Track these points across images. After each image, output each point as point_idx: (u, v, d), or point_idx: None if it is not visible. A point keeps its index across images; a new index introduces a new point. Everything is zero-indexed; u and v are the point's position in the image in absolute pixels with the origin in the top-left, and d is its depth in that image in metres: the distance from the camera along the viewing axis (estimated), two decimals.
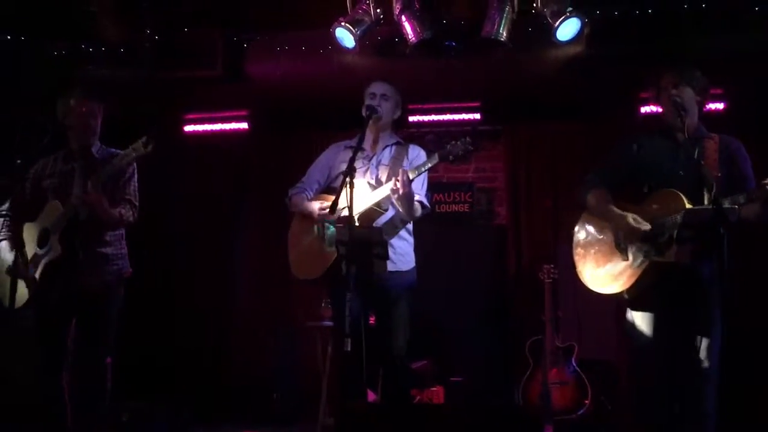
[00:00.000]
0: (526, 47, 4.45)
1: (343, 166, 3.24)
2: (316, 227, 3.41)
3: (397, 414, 3.40)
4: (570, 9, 4.11)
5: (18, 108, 4.71)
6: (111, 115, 3.74)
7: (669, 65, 3.17)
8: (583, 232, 3.30)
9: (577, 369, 4.79)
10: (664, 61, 4.22)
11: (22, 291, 3.42)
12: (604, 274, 3.14)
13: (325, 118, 5.36)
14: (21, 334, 3.54)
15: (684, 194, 2.89)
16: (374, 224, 3.34)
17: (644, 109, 5.11)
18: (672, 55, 4.29)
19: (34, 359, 3.53)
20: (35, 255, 3.50)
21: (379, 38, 4.58)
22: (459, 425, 4.40)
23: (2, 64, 4.77)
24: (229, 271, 5.95)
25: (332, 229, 3.28)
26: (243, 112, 5.76)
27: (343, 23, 4.32)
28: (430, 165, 3.28)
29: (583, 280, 3.24)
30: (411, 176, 3.20)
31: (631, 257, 3.03)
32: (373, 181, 3.43)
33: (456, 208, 5.75)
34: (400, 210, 3.29)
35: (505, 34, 4.18)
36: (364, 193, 3.35)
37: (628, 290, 3.04)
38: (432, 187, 3.58)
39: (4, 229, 3.64)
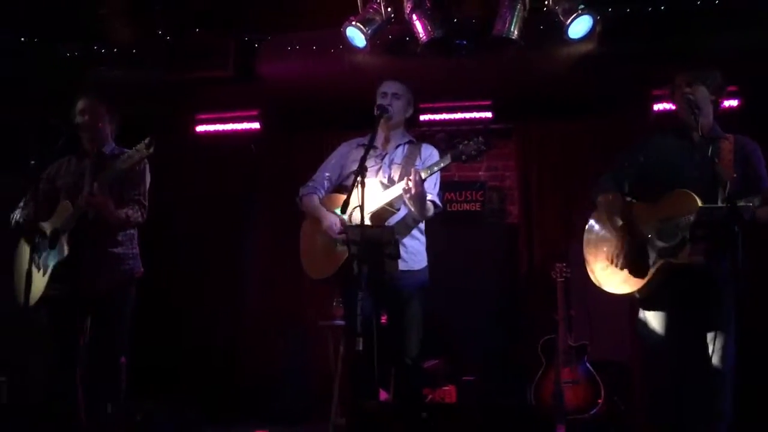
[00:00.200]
0: (538, 45, 4.44)
1: (355, 165, 3.23)
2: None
3: (410, 414, 3.40)
4: (582, 6, 4.09)
5: (32, 109, 4.75)
6: (126, 116, 3.77)
7: (683, 63, 3.15)
8: (593, 232, 3.29)
9: (590, 368, 4.77)
10: (676, 59, 4.20)
11: (36, 289, 3.45)
12: (614, 274, 3.12)
13: (337, 117, 5.36)
14: (36, 332, 3.56)
15: (698, 194, 2.87)
16: (386, 223, 3.34)
17: (657, 107, 5.07)
18: (685, 53, 4.26)
19: (48, 358, 3.56)
20: (47, 254, 3.53)
21: (390, 37, 4.58)
22: (471, 425, 4.41)
23: (15, 65, 4.81)
24: (239, 271, 5.96)
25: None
26: (254, 112, 5.77)
27: (354, 22, 4.33)
28: (443, 165, 3.27)
29: (594, 281, 3.22)
30: (423, 176, 3.20)
31: None
32: (385, 180, 3.42)
33: (467, 207, 5.73)
34: (413, 209, 3.29)
35: (516, 32, 4.17)
36: (377, 192, 3.35)
37: (640, 290, 3.03)
38: (443, 186, 3.57)
39: (24, 219, 3.66)
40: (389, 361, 3.46)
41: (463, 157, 3.18)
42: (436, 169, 3.28)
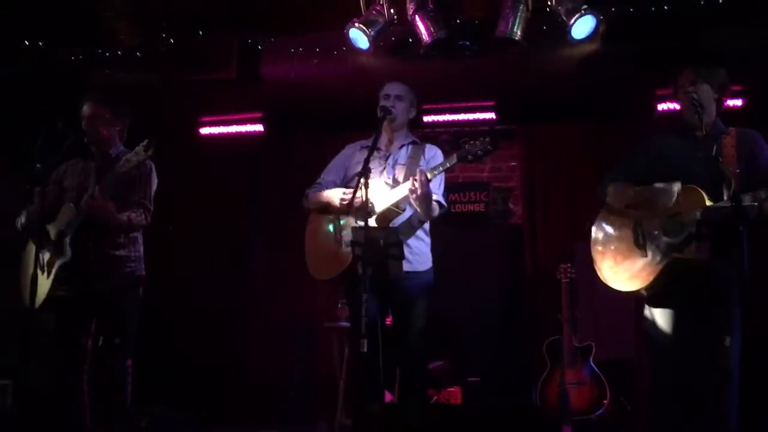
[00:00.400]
0: (541, 46, 4.43)
1: (359, 167, 3.23)
2: (331, 225, 3.41)
3: (415, 415, 3.39)
4: (585, 7, 4.08)
5: (36, 113, 4.76)
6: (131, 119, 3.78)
7: (687, 62, 3.14)
8: (601, 230, 3.28)
9: (595, 369, 4.77)
10: (680, 59, 4.18)
11: (41, 291, 3.46)
12: (623, 271, 3.12)
13: (340, 119, 5.36)
14: (41, 335, 3.57)
15: (703, 191, 2.86)
16: (392, 224, 3.34)
17: (661, 107, 5.07)
18: (689, 53, 4.25)
19: (54, 361, 3.56)
20: (51, 256, 3.54)
21: (393, 39, 4.57)
22: (476, 426, 4.40)
23: (19, 69, 4.83)
24: (244, 273, 5.97)
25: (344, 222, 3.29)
26: (258, 114, 5.79)
27: (357, 24, 4.32)
28: (448, 165, 3.27)
29: (602, 278, 3.22)
30: (429, 176, 3.20)
31: (650, 254, 3.01)
32: (390, 181, 3.43)
33: (472, 208, 5.74)
34: (418, 210, 3.29)
35: (519, 32, 4.17)
36: (382, 193, 3.36)
37: (647, 287, 3.03)
38: (447, 187, 3.57)
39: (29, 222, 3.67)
40: (394, 363, 3.46)
41: (469, 157, 3.18)
42: (441, 169, 3.28)
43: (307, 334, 5.55)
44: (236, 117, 5.82)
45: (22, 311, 3.44)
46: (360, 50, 4.45)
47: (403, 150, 3.55)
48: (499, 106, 5.45)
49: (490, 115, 5.50)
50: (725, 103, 3.17)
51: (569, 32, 4.16)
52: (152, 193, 3.67)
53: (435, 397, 4.74)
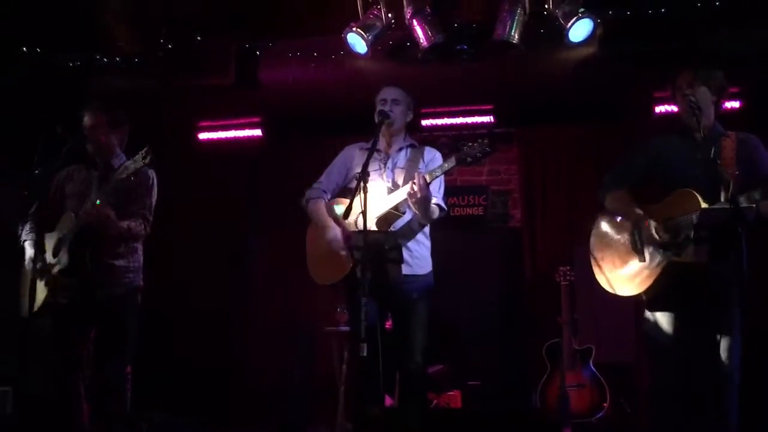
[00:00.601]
0: (539, 49, 4.44)
1: (359, 168, 3.23)
2: None
3: (415, 419, 3.39)
4: (582, 10, 4.09)
5: (35, 118, 4.76)
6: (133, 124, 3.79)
7: (684, 65, 3.15)
8: (599, 234, 3.29)
9: (596, 372, 4.76)
10: (678, 61, 4.19)
11: (39, 297, 3.48)
12: (620, 275, 3.12)
13: (338, 123, 5.37)
14: (40, 342, 3.57)
15: (701, 194, 2.86)
16: (392, 227, 3.34)
17: (659, 109, 5.08)
18: (686, 55, 4.25)
19: (52, 367, 3.56)
20: (49, 264, 3.55)
21: (391, 43, 4.58)
22: (476, 429, 4.39)
23: (18, 75, 4.83)
24: (244, 277, 5.97)
25: None
26: (256, 119, 5.80)
27: (354, 28, 4.33)
28: (447, 167, 3.26)
29: (600, 282, 3.22)
30: (428, 179, 3.20)
31: (648, 258, 3.01)
32: (389, 184, 3.43)
33: (470, 212, 5.74)
34: (417, 213, 3.29)
35: (516, 36, 4.17)
36: (382, 196, 3.36)
37: (647, 291, 3.03)
38: (446, 191, 3.57)
39: (30, 233, 3.67)
40: (394, 367, 3.46)
41: (468, 159, 3.17)
42: (440, 172, 3.28)
43: (306, 338, 5.54)
44: (235, 122, 5.83)
45: (21, 319, 3.44)
46: (358, 54, 4.45)
47: (402, 153, 3.56)
48: (497, 109, 5.46)
49: (489, 119, 5.50)
50: (723, 105, 3.18)
51: (567, 35, 4.16)
52: (153, 205, 3.68)
53: (435, 401, 4.74)
